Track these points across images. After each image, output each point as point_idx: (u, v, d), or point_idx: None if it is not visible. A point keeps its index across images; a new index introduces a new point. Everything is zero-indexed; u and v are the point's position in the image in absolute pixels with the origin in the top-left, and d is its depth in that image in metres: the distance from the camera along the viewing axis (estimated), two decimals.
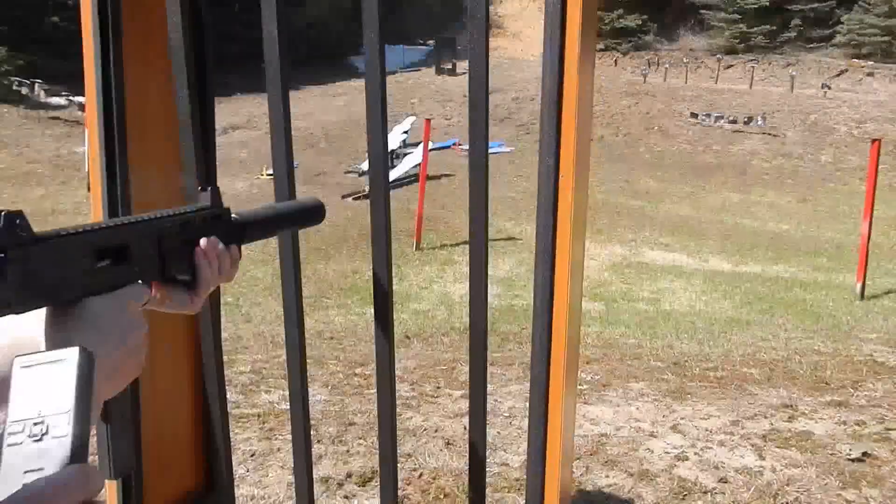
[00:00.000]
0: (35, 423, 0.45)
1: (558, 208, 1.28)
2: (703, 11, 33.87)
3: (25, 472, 0.43)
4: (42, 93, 19.70)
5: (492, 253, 9.44)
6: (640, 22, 34.21)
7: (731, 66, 31.23)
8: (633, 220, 10.24)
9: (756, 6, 32.42)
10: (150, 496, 1.61)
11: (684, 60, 31.45)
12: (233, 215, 0.97)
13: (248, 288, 6.92)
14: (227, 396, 4.53)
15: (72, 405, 0.46)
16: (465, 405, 4.12)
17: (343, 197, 11.18)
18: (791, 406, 3.92)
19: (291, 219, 1.16)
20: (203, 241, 0.86)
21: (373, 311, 6.00)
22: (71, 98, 18.84)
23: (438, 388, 4.35)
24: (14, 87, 19.43)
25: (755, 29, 32.51)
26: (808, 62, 30.76)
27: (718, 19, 33.38)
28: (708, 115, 18.58)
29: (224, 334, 5.41)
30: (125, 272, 0.74)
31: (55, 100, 19.50)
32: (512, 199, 11.45)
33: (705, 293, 7.26)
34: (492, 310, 6.69)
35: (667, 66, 30.81)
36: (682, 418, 3.80)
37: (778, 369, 4.80)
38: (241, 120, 17.27)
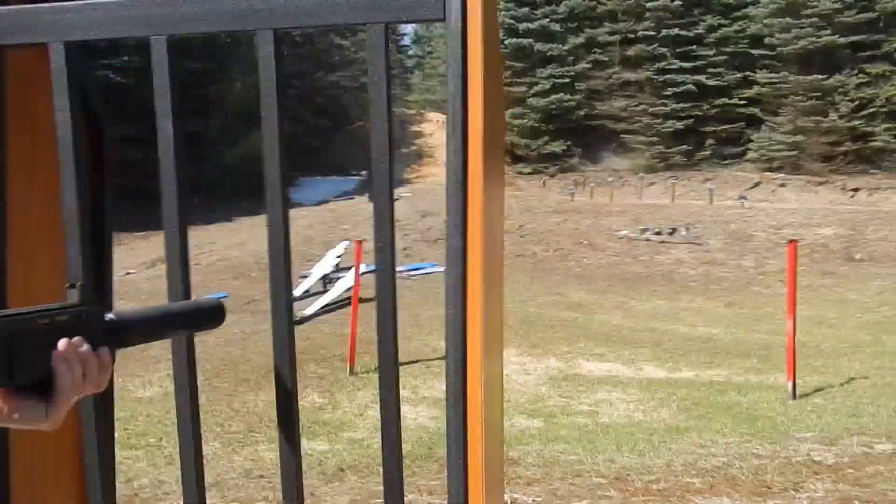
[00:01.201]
0: None
1: (467, 325, 1.20)
2: (623, 136, 35.86)
3: None
4: None
5: (428, 373, 9.19)
6: (566, 147, 35.90)
7: (654, 183, 32.80)
8: (568, 332, 10.25)
9: (672, 130, 34.51)
10: None
11: (608, 179, 32.93)
12: (109, 315, 0.85)
13: (173, 426, 6.53)
14: None
15: None
16: None
17: None
18: None
19: (184, 320, 1.06)
20: (62, 343, 0.74)
21: (305, 443, 5.63)
22: None
23: None
24: None
25: (673, 149, 34.49)
26: (725, 176, 32.57)
27: (638, 142, 35.34)
28: (641, 230, 19.16)
29: (144, 479, 5.04)
30: None
31: None
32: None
33: (642, 402, 7.18)
34: (429, 433, 6.45)
35: (592, 185, 32.18)
36: None
37: (719, 476, 4.69)
38: None
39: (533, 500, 4.23)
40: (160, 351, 8.24)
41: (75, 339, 0.76)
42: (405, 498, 4.72)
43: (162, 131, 1.31)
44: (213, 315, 1.07)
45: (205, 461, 5.30)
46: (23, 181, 1.42)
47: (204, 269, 15.43)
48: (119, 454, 5.64)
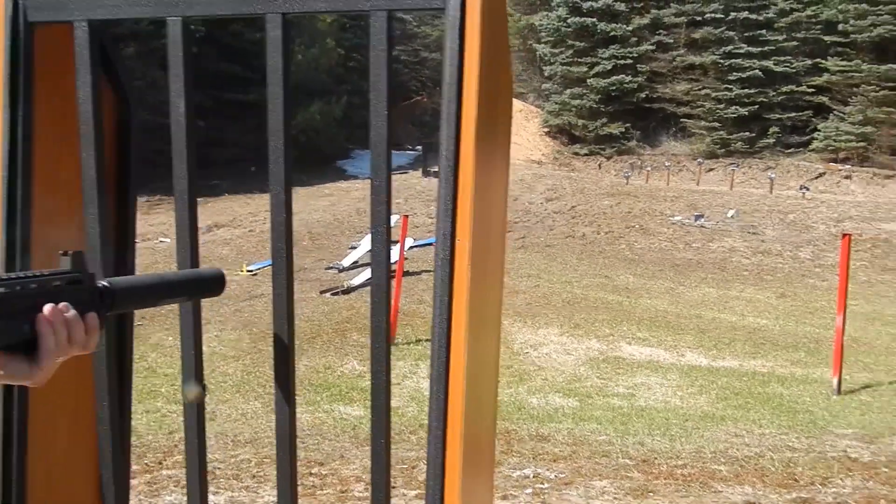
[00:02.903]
0: None
1: (453, 307, 1.24)
2: (683, 120, 35.07)
3: None
4: None
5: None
6: (624, 129, 35.32)
7: (712, 169, 32.05)
8: (612, 315, 10.20)
9: (735, 115, 33.60)
10: None
11: (666, 164, 32.28)
12: (102, 282, 0.91)
13: (217, 385, 6.78)
14: (174, 499, 4.31)
15: None
16: None
17: (321, 292, 11.15)
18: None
19: (180, 288, 1.08)
20: (47, 308, 0.80)
21: (342, 408, 5.81)
22: None
23: (394, 487, 4.20)
24: None
25: (735, 136, 33.59)
26: (787, 165, 31.64)
27: (699, 127, 34.50)
28: (695, 216, 18.80)
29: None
30: None
31: None
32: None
33: (681, 388, 7.15)
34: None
35: (649, 169, 31.61)
36: None
37: (748, 466, 4.68)
38: (226, 219, 17.48)
39: (556, 476, 4.29)
40: (209, 313, 8.51)
41: (62, 304, 0.82)
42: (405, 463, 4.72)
43: (174, 109, 1.37)
44: (212, 284, 1.11)
45: (244, 419, 5.49)
46: (50, 153, 1.48)
47: (258, 236, 15.77)
48: (165, 408, 5.91)
